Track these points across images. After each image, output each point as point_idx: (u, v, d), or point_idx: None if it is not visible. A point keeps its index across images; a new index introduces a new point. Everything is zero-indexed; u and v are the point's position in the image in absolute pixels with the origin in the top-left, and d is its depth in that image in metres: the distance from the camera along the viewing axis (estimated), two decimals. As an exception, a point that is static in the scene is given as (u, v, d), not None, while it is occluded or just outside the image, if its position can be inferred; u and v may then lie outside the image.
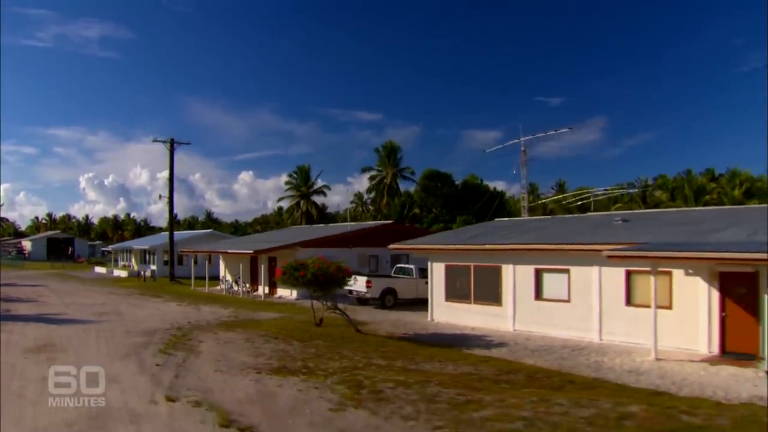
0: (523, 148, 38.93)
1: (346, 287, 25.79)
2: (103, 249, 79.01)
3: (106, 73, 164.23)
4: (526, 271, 19.71)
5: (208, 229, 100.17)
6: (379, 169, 67.22)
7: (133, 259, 55.90)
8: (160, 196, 46.94)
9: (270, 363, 12.60)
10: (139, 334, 16.78)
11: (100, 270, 59.40)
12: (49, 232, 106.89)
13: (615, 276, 17.47)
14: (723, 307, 15.41)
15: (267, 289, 31.81)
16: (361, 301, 27.22)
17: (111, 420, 8.28)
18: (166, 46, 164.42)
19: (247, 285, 33.40)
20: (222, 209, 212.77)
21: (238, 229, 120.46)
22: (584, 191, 53.71)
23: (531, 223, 26.59)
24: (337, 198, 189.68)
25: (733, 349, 14.98)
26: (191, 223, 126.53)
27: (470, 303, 21.40)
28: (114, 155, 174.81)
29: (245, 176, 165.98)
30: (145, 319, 20.61)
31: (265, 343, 15.29)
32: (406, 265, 28.71)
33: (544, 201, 60.21)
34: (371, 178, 67.47)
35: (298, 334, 16.98)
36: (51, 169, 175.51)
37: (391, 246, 25.33)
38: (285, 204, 73.80)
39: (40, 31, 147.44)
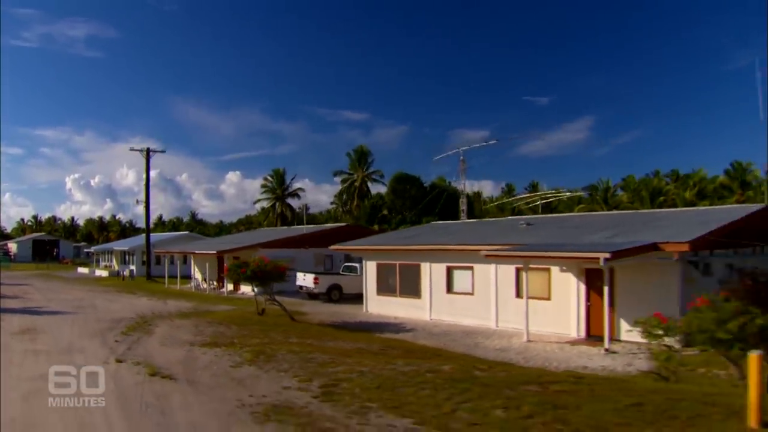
0: (462, 158, 42.57)
1: (298, 283, 29.59)
2: (85, 250, 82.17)
3: (92, 72, 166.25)
4: (440, 269, 23.44)
5: (192, 229, 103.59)
6: (350, 172, 70.84)
7: (113, 260, 59.38)
8: (137, 201, 50.27)
9: (205, 340, 16.24)
10: (108, 322, 20.33)
11: (82, 270, 62.78)
12: (35, 234, 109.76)
13: (507, 273, 21.21)
14: (588, 298, 19.22)
15: (231, 286, 35.41)
16: (312, 295, 30.86)
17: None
18: (152, 46, 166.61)
19: (214, 282, 37.00)
20: (209, 209, 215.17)
21: (222, 229, 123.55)
22: (533, 195, 57.38)
23: (457, 226, 30.38)
24: (324, 197, 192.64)
25: (596, 333, 18.73)
26: (176, 224, 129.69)
27: (397, 296, 25.13)
28: (100, 156, 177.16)
29: (232, 176, 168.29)
30: (116, 311, 24.13)
31: (208, 327, 18.92)
32: (353, 264, 32.37)
33: (495, 203, 63.84)
34: (343, 181, 71.07)
35: (240, 321, 20.61)
36: (37, 170, 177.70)
37: (332, 247, 29.07)
38: (262, 206, 77.16)
39: (26, 31, 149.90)
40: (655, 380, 12.23)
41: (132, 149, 45.75)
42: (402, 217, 64.39)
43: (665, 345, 11.90)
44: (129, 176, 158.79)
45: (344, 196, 70.56)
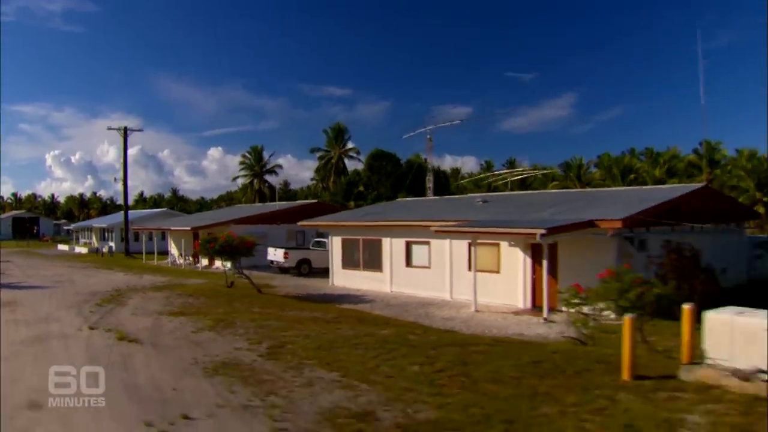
0: (429, 136, 43.87)
1: (269, 258, 30.98)
2: (65, 228, 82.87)
3: (71, 47, 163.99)
4: (400, 244, 24.87)
5: (173, 206, 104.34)
6: (327, 149, 71.92)
7: (93, 237, 60.35)
8: (115, 179, 51.06)
9: (173, 310, 17.62)
10: (84, 295, 21.62)
11: (62, 247, 63.64)
12: (14, 212, 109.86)
13: (461, 247, 22.62)
14: (534, 271, 20.72)
15: (206, 262, 36.69)
16: (282, 269, 32.26)
17: (50, 339, 13.22)
18: (132, 20, 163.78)
19: (190, 258, 38.25)
20: (191, 185, 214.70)
21: (203, 206, 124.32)
22: (504, 172, 58.68)
23: (419, 203, 31.84)
24: (307, 173, 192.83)
25: (540, 304, 20.22)
26: (157, 201, 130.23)
27: (360, 270, 26.57)
28: (81, 132, 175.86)
29: (214, 152, 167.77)
30: (92, 285, 25.39)
31: (178, 299, 20.28)
32: (322, 239, 33.71)
33: (467, 180, 65.24)
34: (320, 158, 72.16)
35: (209, 293, 21.99)
36: (17, 146, 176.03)
37: (300, 223, 30.40)
38: (240, 182, 78.13)
39: (3, 5, 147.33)
40: (575, 344, 13.74)
41: (110, 128, 46.51)
42: (378, 193, 65.71)
43: (582, 313, 13.39)
44: (110, 153, 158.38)
45: (321, 173, 71.62)
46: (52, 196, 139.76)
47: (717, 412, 7.39)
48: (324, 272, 30.93)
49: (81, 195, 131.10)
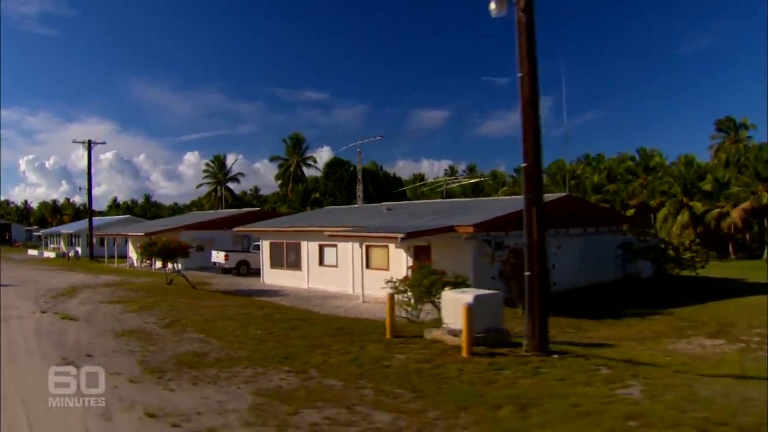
0: (358, 150, 48.71)
1: (213, 260, 35.61)
2: (34, 233, 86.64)
3: (46, 51, 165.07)
4: (314, 246, 29.58)
5: (146, 211, 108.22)
6: (286, 158, 76.60)
7: (61, 242, 64.47)
8: (80, 188, 55.27)
9: (112, 300, 22.22)
10: (44, 291, 26.07)
11: (32, 252, 67.62)
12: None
13: (359, 249, 27.37)
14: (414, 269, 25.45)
15: (160, 264, 41.07)
16: (225, 270, 36.86)
17: (10, 319, 17.80)
18: (108, 24, 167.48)
19: (146, 260, 42.64)
20: (167, 190, 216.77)
21: (176, 211, 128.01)
22: (439, 180, 63.56)
23: (339, 210, 36.63)
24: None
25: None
26: (130, 207, 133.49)
27: (284, 269, 31.26)
28: (55, 137, 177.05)
29: (191, 157, 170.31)
30: (53, 284, 29.78)
31: (121, 293, 24.86)
32: (259, 242, 38.31)
33: (414, 185, 70.13)
34: (280, 166, 76.79)
35: (149, 289, 26.57)
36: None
37: (235, 229, 35.05)
38: (204, 189, 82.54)
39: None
40: (407, 321, 18.45)
41: (74, 141, 50.66)
42: (333, 199, 70.46)
43: (406, 296, 18.15)
44: (85, 158, 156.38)
45: (281, 180, 76.24)
46: (25, 202, 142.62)
47: (418, 352, 12.24)
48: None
49: (54, 201, 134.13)
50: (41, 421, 8.17)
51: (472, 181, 67.68)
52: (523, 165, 12.24)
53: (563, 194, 29.94)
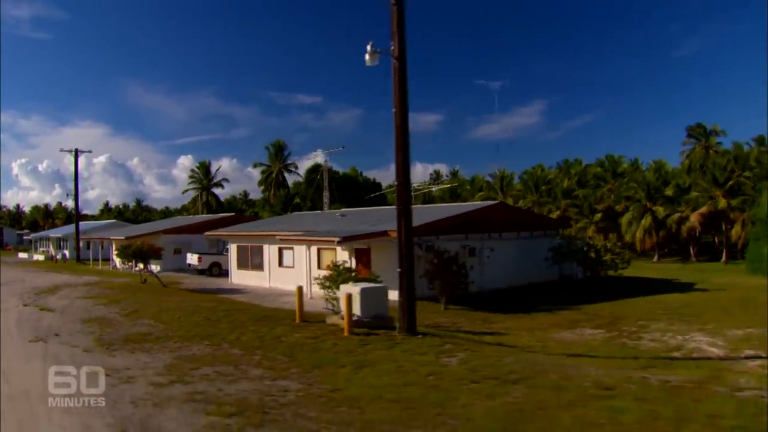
0: (325, 160, 52.21)
1: (187, 262, 39.04)
2: (24, 237, 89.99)
3: (39, 54, 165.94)
4: (274, 249, 33.04)
5: (138, 215, 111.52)
6: (268, 164, 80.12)
7: (50, 246, 67.92)
8: (67, 195, 58.74)
9: (87, 296, 25.68)
10: (29, 289, 29.51)
11: (23, 255, 71.04)
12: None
13: (313, 252, 30.82)
14: (357, 268, 28.88)
15: (141, 266, 44.54)
16: (199, 271, 40.30)
17: (-4, 311, 21.27)
18: (101, 27, 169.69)
19: (128, 263, 46.10)
20: (161, 194, 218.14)
21: (167, 215, 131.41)
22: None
23: (301, 216, 40.10)
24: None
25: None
26: (122, 211, 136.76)
27: (249, 270, 34.71)
28: (48, 140, 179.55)
29: (185, 160, 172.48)
30: (38, 283, 33.23)
31: (97, 290, 28.31)
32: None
33: (385, 191, 73.48)
34: (262, 172, 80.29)
35: (123, 287, 30.03)
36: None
37: (206, 233, 38.50)
38: (190, 195, 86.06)
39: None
40: (332, 312, 21.78)
41: (62, 150, 54.12)
42: (312, 204, 73.89)
43: (332, 291, 21.51)
44: (78, 161, 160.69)
45: (264, 186, 79.74)
46: (18, 206, 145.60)
47: (312, 332, 15.72)
48: (231, 273, 39.05)
49: (46, 205, 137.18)
50: (14, 373, 11.61)
51: (441, 187, 70.99)
52: (395, 183, 15.67)
53: (494, 202, 33.42)
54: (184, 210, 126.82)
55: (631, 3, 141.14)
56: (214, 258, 40.19)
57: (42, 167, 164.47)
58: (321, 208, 73.09)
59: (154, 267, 43.87)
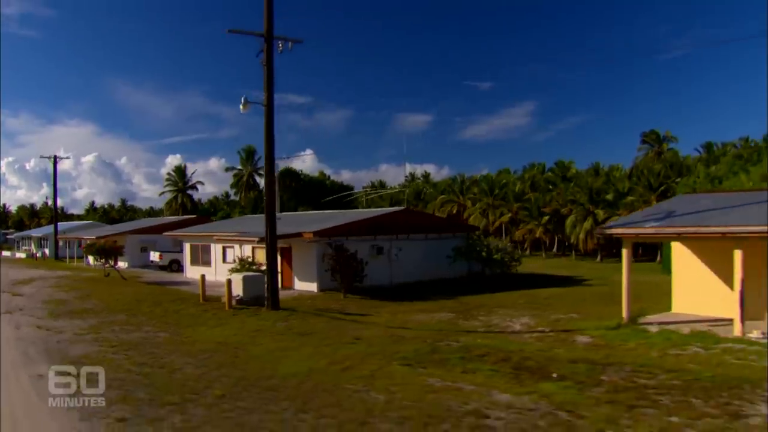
0: (280, 168, 58.15)
1: (150, 259, 45.27)
2: (8, 236, 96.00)
3: (27, 52, 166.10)
4: (219, 247, 39.28)
5: (123, 215, 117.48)
6: (240, 168, 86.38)
7: (32, 245, 74.12)
8: (46, 198, 64.95)
9: (55, 286, 31.90)
10: (7, 281, 35.71)
11: (6, 253, 77.19)
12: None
13: (247, 249, 36.96)
14: (282, 264, 35.08)
15: (112, 262, 50.76)
16: (161, 267, 46.51)
17: (-22, 296, 27.52)
18: (90, 25, 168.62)
19: (101, 260, 52.27)
20: (149, 193, 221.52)
21: (151, 214, 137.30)
22: (359, 192, 72.95)
23: (251, 219, 46.31)
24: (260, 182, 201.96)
25: (286, 285, 34.65)
26: (107, 210, 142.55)
27: (200, 266, 40.94)
28: (36, 138, 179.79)
29: (173, 160, 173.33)
30: (17, 276, 39.38)
31: (64, 282, 34.53)
32: (190, 245, 47.90)
33: (357, 196, 79.46)
34: (234, 176, 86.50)
35: (88, 280, 36.26)
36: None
37: (164, 233, 44.74)
38: (166, 197, 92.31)
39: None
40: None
41: (42, 156, 60.25)
42: (281, 207, 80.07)
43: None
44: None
45: (236, 189, 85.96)
46: (4, 205, 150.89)
47: (204, 307, 22.02)
48: (188, 269, 45.17)
49: (32, 205, 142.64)
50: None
51: (389, 191, 77.01)
52: (265, 198, 21.94)
53: (401, 208, 39.77)
54: (160, 212, 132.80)
55: (618, 4, 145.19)
56: (173, 255, 46.33)
57: (29, 166, 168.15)
58: (291, 209, 79.24)
59: (122, 263, 50.12)
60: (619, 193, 72.96)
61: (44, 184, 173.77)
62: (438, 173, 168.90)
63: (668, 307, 21.32)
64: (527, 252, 77.29)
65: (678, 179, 68.96)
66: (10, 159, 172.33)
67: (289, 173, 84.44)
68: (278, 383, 11.13)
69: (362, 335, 16.47)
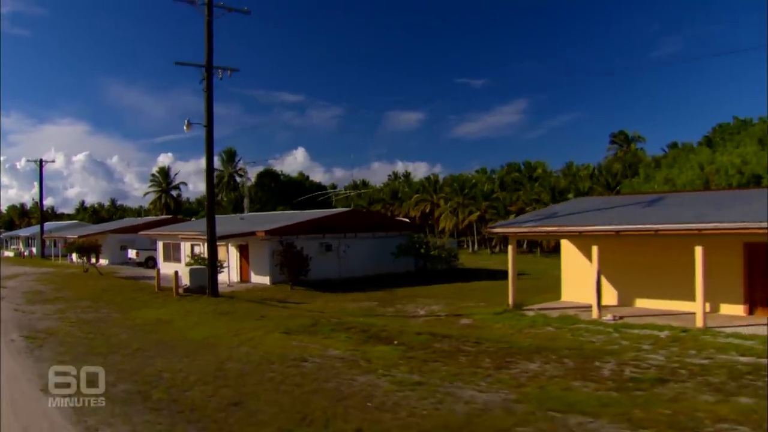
0: (245, 169, 62.76)
1: (128, 256, 49.86)
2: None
3: (18, 51, 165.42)
4: (188, 245, 43.82)
5: (112, 215, 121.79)
6: (221, 169, 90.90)
7: (20, 244, 78.71)
8: (33, 199, 69.36)
9: (37, 280, 36.49)
10: (-6, 277, 40.32)
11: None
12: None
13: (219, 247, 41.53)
14: (240, 261, 39.63)
15: (94, 260, 55.31)
16: (138, 264, 51.08)
17: (-32, 288, 32.11)
18: (81, 24, 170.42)
19: (83, 257, 56.82)
20: (141, 192, 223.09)
21: (140, 214, 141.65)
22: (330, 192, 77.35)
23: (221, 219, 50.88)
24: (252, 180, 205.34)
25: (244, 279, 39.21)
26: (96, 209, 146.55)
27: (171, 262, 45.51)
28: (27, 138, 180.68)
29: (165, 159, 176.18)
30: (4, 273, 43.76)
31: (46, 277, 39.06)
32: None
33: (341, 196, 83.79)
34: (216, 177, 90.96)
35: (67, 275, 40.78)
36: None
37: (140, 233, 49.32)
38: (147, 199, 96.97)
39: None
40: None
41: (28, 160, 64.70)
42: (260, 206, 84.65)
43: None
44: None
45: (217, 189, 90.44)
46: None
47: (157, 295, 26.66)
48: (162, 265, 49.63)
49: (22, 205, 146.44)
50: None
51: (361, 192, 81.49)
52: (206, 205, 26.50)
53: (349, 209, 44.34)
54: (158, 209, 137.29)
55: (610, 3, 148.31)
56: (149, 253, 50.91)
57: (20, 165, 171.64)
58: (270, 209, 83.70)
59: (104, 261, 54.61)
60: (579, 192, 77.49)
61: (35, 184, 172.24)
62: (430, 171, 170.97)
63: (559, 296, 24.34)
64: (496, 249, 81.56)
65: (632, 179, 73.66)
66: (1, 158, 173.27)
67: (269, 174, 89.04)
68: (180, 343, 15.81)
69: (269, 315, 21.07)
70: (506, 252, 24.62)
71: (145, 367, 12.87)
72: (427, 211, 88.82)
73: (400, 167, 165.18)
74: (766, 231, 16.11)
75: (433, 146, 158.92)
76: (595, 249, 20.34)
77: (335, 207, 75.23)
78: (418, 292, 29.24)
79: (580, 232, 21.78)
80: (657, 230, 18.81)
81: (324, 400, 10.18)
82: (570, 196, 76.45)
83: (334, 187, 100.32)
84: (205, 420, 9.11)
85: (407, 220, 58.40)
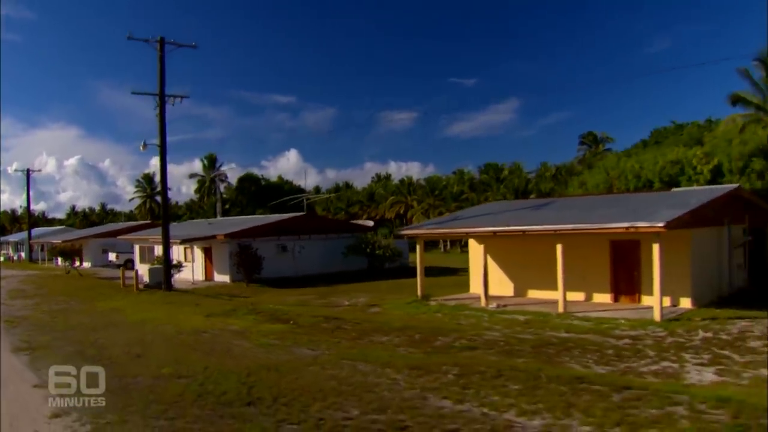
0: (220, 177, 67.95)
1: (109, 259, 55.10)
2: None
3: (8, 55, 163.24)
4: (159, 248, 49.00)
5: (103, 218, 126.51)
6: (203, 174, 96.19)
7: (9, 248, 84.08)
8: (20, 206, 74.62)
9: (22, 281, 41.70)
10: (-15, 279, 45.54)
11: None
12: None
13: (179, 249, 46.77)
14: (204, 262, 44.83)
15: (78, 263, 60.56)
16: (118, 266, 56.15)
17: (-39, 288, 37.37)
18: (71, 28, 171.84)
19: (68, 261, 62.06)
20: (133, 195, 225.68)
21: (130, 218, 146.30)
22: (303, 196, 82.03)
23: (188, 223, 56.17)
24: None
25: (208, 277, 44.46)
26: (87, 214, 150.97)
27: (147, 264, 50.70)
28: (19, 142, 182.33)
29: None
30: (-7, 276, 49.20)
31: (31, 278, 44.22)
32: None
33: (319, 197, 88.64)
34: (198, 182, 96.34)
35: (50, 277, 45.91)
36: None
37: (118, 237, 54.57)
38: (135, 203, 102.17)
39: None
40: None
41: (16, 170, 69.92)
42: (240, 210, 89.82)
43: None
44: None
45: (199, 194, 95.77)
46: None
47: (122, 291, 31.93)
48: (139, 267, 54.79)
49: (13, 210, 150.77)
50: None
51: (331, 195, 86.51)
52: (162, 214, 31.75)
53: (303, 213, 49.42)
54: (129, 217, 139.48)
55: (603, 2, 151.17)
56: (128, 256, 56.06)
57: (11, 170, 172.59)
58: (249, 213, 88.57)
59: (87, 264, 59.79)
60: (540, 193, 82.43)
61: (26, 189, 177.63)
62: (423, 171, 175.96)
63: (468, 290, 27.37)
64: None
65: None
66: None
67: (249, 178, 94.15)
68: (122, 323, 21.00)
69: (204, 304, 26.27)
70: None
71: (89, 337, 18.06)
72: (402, 212, 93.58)
73: (392, 167, 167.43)
74: (603, 231, 20.21)
75: (427, 146, 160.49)
76: (481, 248, 24.49)
77: (315, 210, 79.87)
78: (357, 288, 32.27)
79: (467, 233, 26.65)
80: (524, 231, 22.52)
81: (198, 354, 15.34)
82: (532, 196, 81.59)
83: (318, 190, 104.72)
84: (115, 365, 14.02)
85: (371, 222, 62.74)
